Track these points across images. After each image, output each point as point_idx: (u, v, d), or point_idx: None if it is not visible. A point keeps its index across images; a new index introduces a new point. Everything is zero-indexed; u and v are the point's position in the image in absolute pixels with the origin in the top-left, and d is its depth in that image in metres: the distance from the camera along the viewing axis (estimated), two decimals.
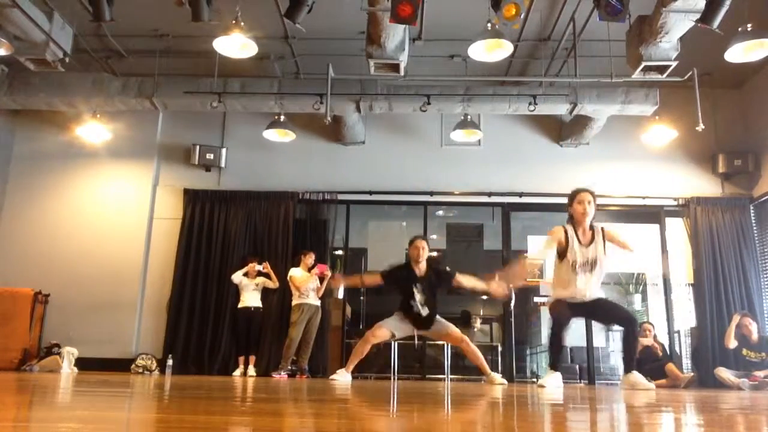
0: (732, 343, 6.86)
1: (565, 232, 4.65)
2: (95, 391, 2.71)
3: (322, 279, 7.35)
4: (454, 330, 5.36)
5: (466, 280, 5.33)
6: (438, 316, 5.34)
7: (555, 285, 4.78)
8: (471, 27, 5.98)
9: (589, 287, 4.60)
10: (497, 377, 5.38)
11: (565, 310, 4.64)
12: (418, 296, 5.13)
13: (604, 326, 4.85)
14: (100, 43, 7.47)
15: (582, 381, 8.50)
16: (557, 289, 4.73)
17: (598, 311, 4.81)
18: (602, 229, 4.71)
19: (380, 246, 9.37)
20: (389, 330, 5.26)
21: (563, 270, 4.66)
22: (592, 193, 4.69)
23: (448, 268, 5.58)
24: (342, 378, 5.21)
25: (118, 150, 8.39)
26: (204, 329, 7.79)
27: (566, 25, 6.87)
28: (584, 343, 8.10)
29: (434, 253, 5.69)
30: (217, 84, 7.34)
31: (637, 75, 6.35)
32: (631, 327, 4.69)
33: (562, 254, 4.65)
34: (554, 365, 4.70)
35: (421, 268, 5.23)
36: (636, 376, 4.56)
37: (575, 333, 8.39)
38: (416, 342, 5.53)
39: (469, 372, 8.72)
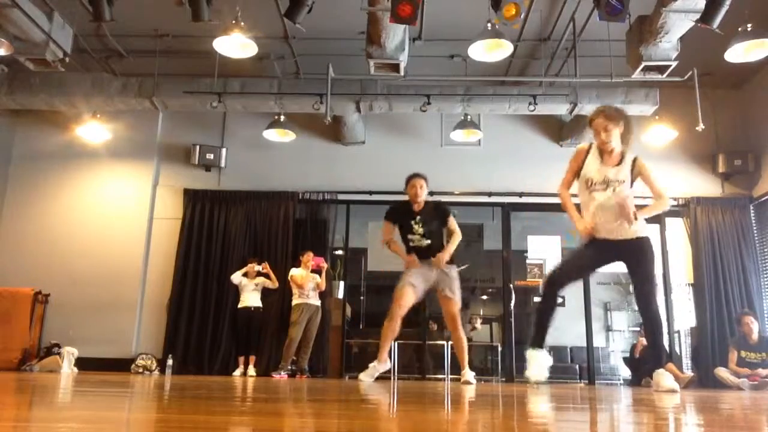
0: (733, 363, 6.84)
1: (589, 147, 4.03)
2: (95, 391, 2.71)
3: (320, 272, 7.35)
4: (456, 304, 4.90)
5: (449, 240, 5.01)
6: (454, 269, 4.95)
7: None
8: (471, 27, 5.97)
9: (609, 213, 3.83)
10: (470, 377, 4.87)
11: (573, 269, 4.00)
12: (416, 228, 4.95)
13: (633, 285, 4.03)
14: (100, 43, 7.48)
15: (582, 381, 8.50)
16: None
17: (631, 260, 3.98)
18: (636, 159, 4.00)
19: (380, 246, 9.34)
20: (411, 288, 4.84)
21: (582, 193, 4.07)
22: (608, 117, 3.91)
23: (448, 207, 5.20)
24: (371, 376, 4.78)
25: (118, 150, 8.39)
26: (204, 329, 7.79)
27: (566, 25, 6.87)
28: (584, 343, 8.11)
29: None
30: (217, 84, 7.34)
31: (637, 75, 6.36)
32: (648, 324, 4.02)
33: (579, 172, 4.08)
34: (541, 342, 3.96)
35: (420, 204, 5.06)
36: (662, 374, 3.90)
37: (575, 333, 8.42)
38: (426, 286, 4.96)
39: None
